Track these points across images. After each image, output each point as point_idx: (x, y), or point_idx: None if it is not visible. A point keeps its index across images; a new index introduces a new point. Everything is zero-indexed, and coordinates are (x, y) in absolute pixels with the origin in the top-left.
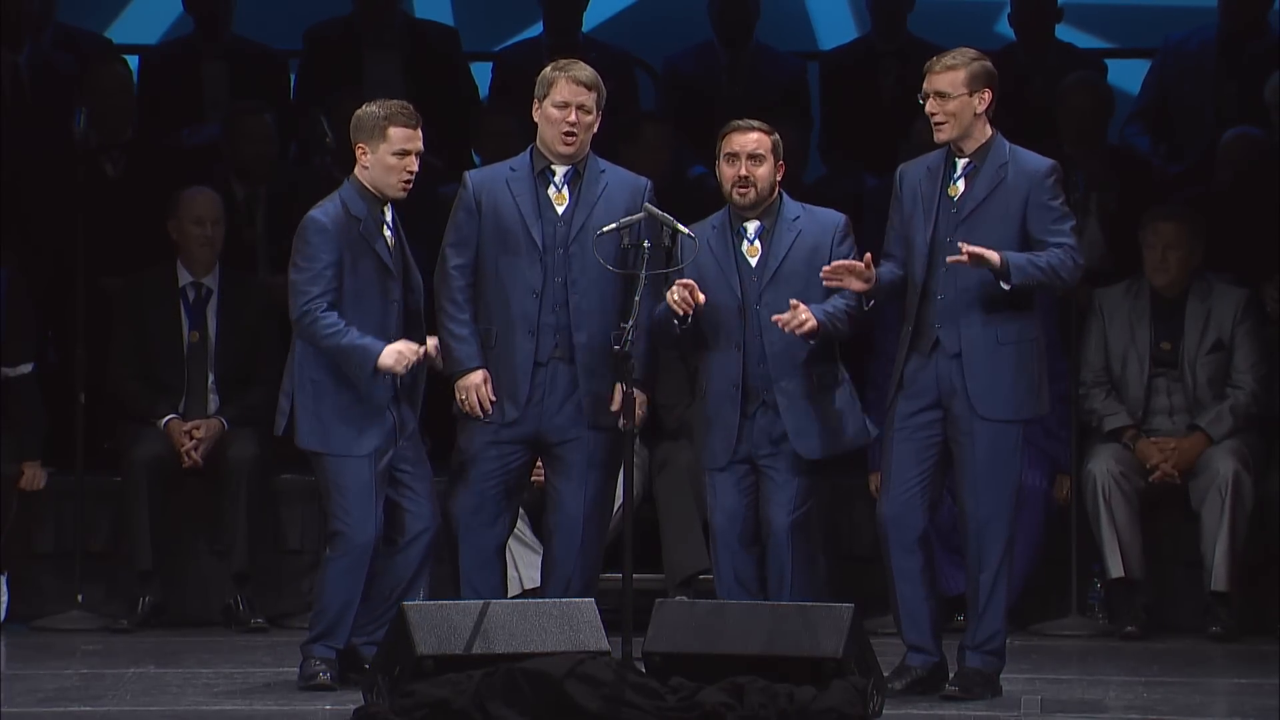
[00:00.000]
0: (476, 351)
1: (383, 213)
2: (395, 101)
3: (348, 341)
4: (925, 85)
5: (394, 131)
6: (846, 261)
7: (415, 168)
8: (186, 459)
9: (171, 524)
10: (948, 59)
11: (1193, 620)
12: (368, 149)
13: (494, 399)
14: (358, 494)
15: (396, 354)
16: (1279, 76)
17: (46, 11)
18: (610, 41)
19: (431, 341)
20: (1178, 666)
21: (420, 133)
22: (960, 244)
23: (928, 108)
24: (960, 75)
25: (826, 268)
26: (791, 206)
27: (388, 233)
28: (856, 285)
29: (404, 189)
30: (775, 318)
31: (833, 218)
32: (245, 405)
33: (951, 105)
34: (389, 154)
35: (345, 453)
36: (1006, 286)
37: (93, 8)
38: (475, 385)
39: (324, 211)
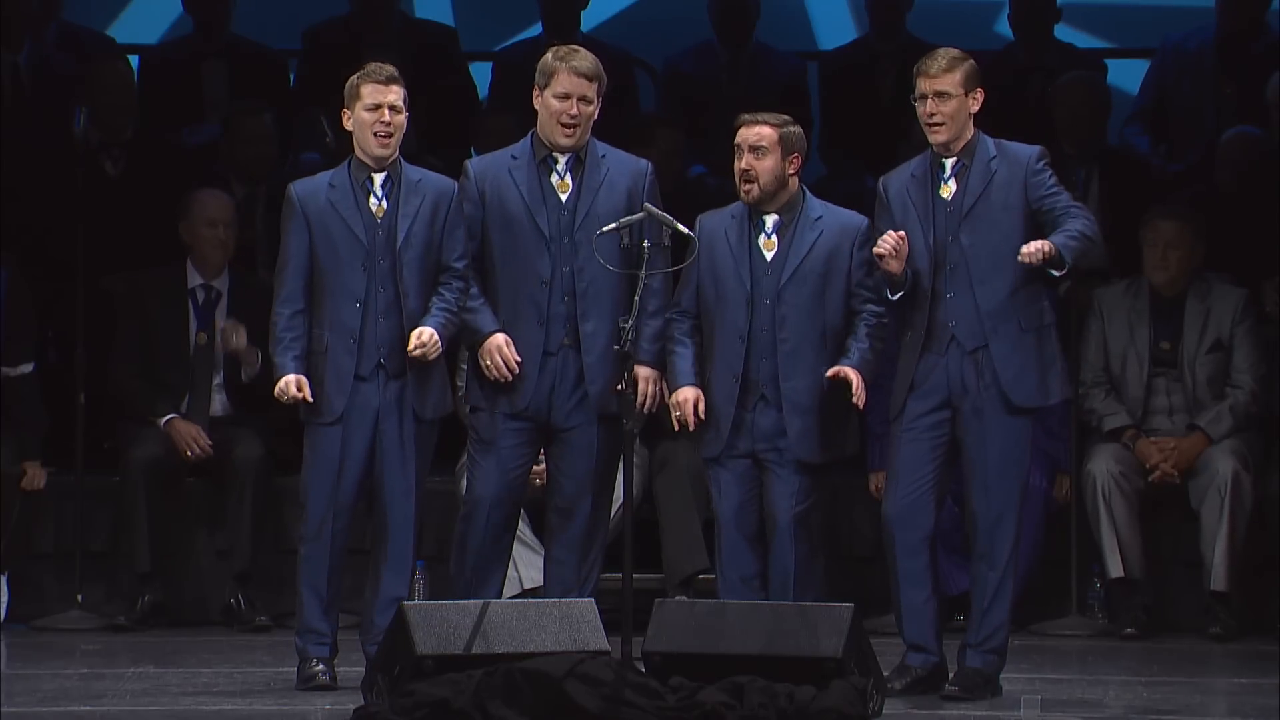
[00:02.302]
0: (491, 318)
1: (370, 179)
2: (372, 62)
3: (270, 347)
4: (922, 86)
5: (365, 88)
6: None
7: (389, 119)
8: (194, 449)
9: (172, 524)
10: (943, 61)
11: (1192, 620)
12: (350, 112)
13: (519, 359)
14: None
15: (279, 391)
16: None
17: (51, 9)
18: (610, 41)
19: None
20: (1177, 666)
21: (395, 89)
22: (1021, 255)
23: (926, 108)
24: (958, 76)
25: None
26: (814, 205)
27: (374, 200)
28: (894, 266)
29: (382, 145)
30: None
31: (855, 221)
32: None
33: (950, 106)
34: (362, 110)
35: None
36: (1059, 274)
37: (92, 8)
38: (498, 346)
39: (301, 181)
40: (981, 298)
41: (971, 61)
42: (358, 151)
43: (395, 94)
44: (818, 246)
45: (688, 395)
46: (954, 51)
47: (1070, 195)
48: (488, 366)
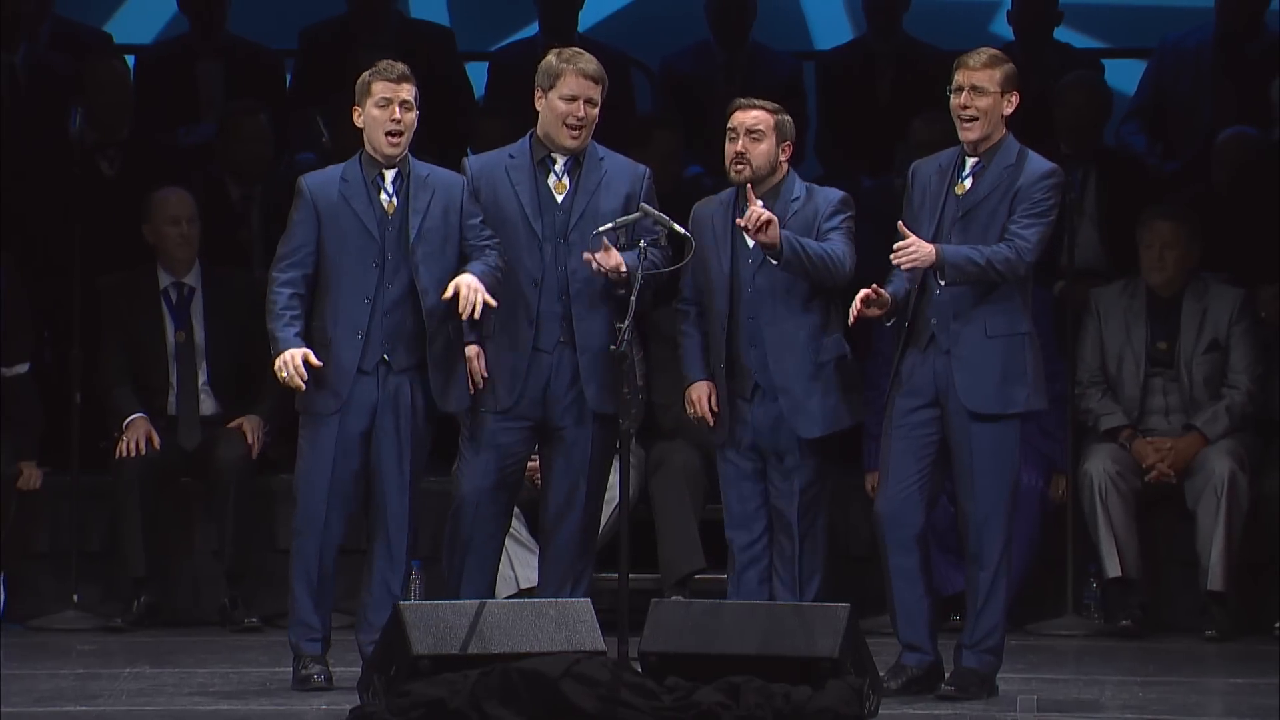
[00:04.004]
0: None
1: (381, 175)
2: (384, 60)
3: (270, 324)
4: (959, 78)
5: (376, 85)
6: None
7: (399, 116)
8: (133, 449)
9: (167, 524)
10: (984, 56)
11: (1188, 620)
12: (360, 109)
13: (486, 375)
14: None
15: (280, 363)
16: None
17: (43, 7)
18: (606, 41)
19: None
20: (1174, 666)
21: (407, 87)
22: (892, 257)
23: (960, 100)
24: (997, 73)
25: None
26: (794, 187)
27: (384, 196)
28: (875, 314)
29: (392, 143)
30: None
31: (829, 196)
32: (269, 396)
33: (985, 101)
34: (373, 107)
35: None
36: (943, 282)
37: (87, 7)
38: (469, 358)
39: (312, 174)
40: (957, 299)
41: (1012, 65)
42: (368, 147)
43: (407, 91)
44: (789, 227)
45: (701, 393)
46: (996, 51)
47: (1042, 226)
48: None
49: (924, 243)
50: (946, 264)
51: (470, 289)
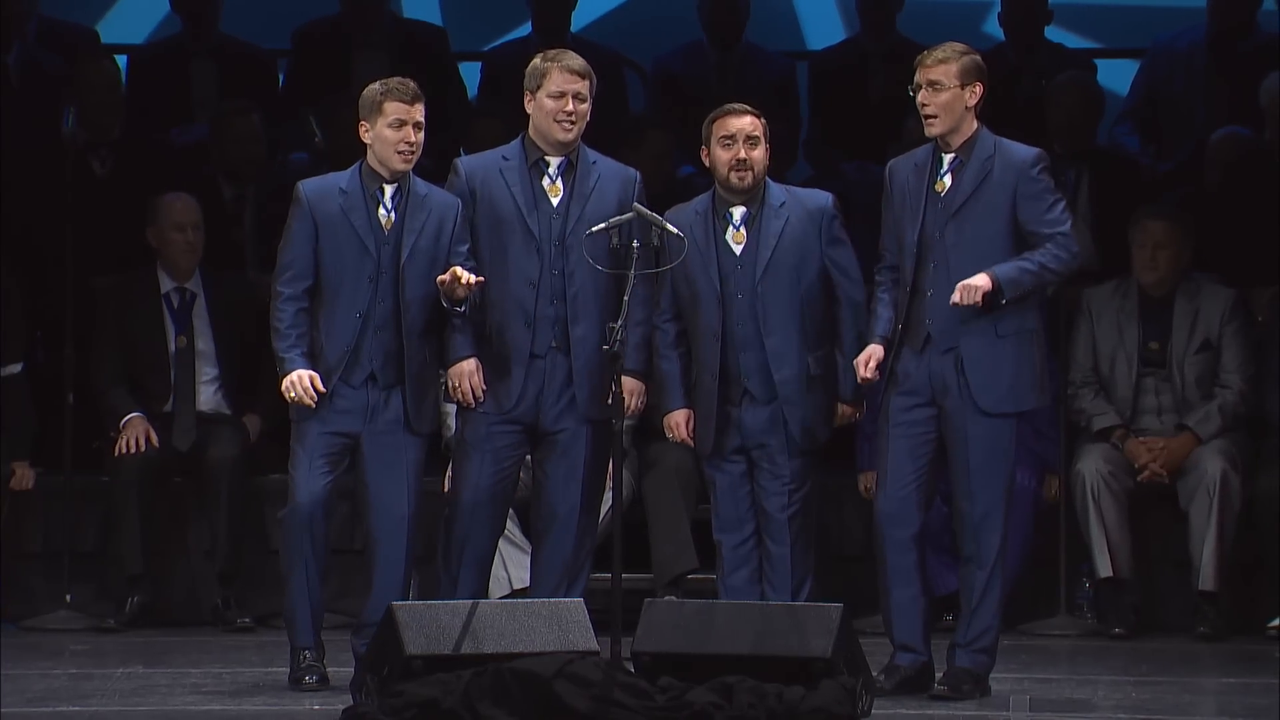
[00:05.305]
0: (468, 340)
1: (381, 190)
2: (395, 78)
3: (276, 343)
4: (917, 77)
5: (389, 105)
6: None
7: (413, 138)
8: (132, 445)
9: (161, 524)
10: (939, 52)
11: (1181, 620)
12: (369, 126)
13: (485, 388)
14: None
15: (289, 384)
16: (1274, 78)
17: (30, 5)
18: (599, 41)
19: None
20: (1166, 666)
21: (419, 107)
22: (953, 301)
23: (919, 99)
24: (953, 68)
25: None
26: (776, 191)
27: (383, 211)
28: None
29: (405, 161)
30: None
31: (818, 200)
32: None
33: (944, 97)
34: (385, 126)
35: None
36: (1004, 301)
37: (80, 6)
38: (468, 373)
39: (311, 181)
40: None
41: (972, 57)
42: (372, 162)
43: (419, 112)
44: (785, 235)
45: (679, 420)
46: (958, 45)
47: (1061, 208)
48: (454, 389)
49: (977, 279)
50: (1003, 284)
51: (463, 270)
